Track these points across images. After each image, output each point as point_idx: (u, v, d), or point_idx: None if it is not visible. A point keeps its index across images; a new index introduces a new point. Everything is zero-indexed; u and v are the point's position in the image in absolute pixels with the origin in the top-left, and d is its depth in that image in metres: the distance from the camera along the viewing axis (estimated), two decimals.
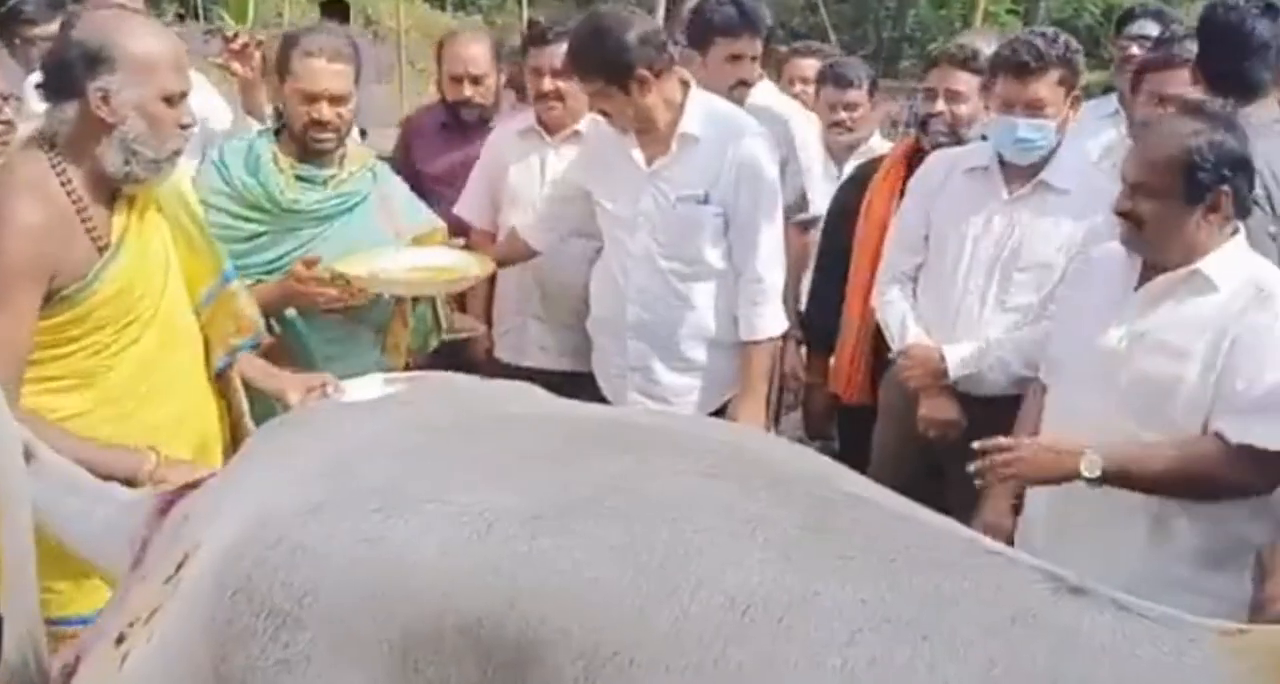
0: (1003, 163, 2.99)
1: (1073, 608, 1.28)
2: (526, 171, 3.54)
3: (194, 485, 1.72)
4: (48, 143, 2.28)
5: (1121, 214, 2.38)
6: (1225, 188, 2.30)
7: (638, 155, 3.15)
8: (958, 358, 2.97)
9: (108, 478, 2.01)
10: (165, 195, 2.47)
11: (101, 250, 2.31)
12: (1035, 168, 2.96)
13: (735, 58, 3.65)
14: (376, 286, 2.91)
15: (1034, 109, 2.89)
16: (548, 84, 3.49)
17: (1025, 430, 2.61)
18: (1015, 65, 2.89)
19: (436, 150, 3.82)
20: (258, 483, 1.55)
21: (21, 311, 2.20)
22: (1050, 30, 2.99)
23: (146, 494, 1.77)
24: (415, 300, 3.11)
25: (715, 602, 1.28)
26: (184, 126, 2.34)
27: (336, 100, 2.89)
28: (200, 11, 10.58)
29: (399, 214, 3.12)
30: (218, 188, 2.90)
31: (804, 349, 3.77)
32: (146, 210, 2.42)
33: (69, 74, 2.23)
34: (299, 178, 2.94)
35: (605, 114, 3.12)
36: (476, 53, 3.76)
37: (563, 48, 3.37)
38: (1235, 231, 2.37)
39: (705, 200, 3.11)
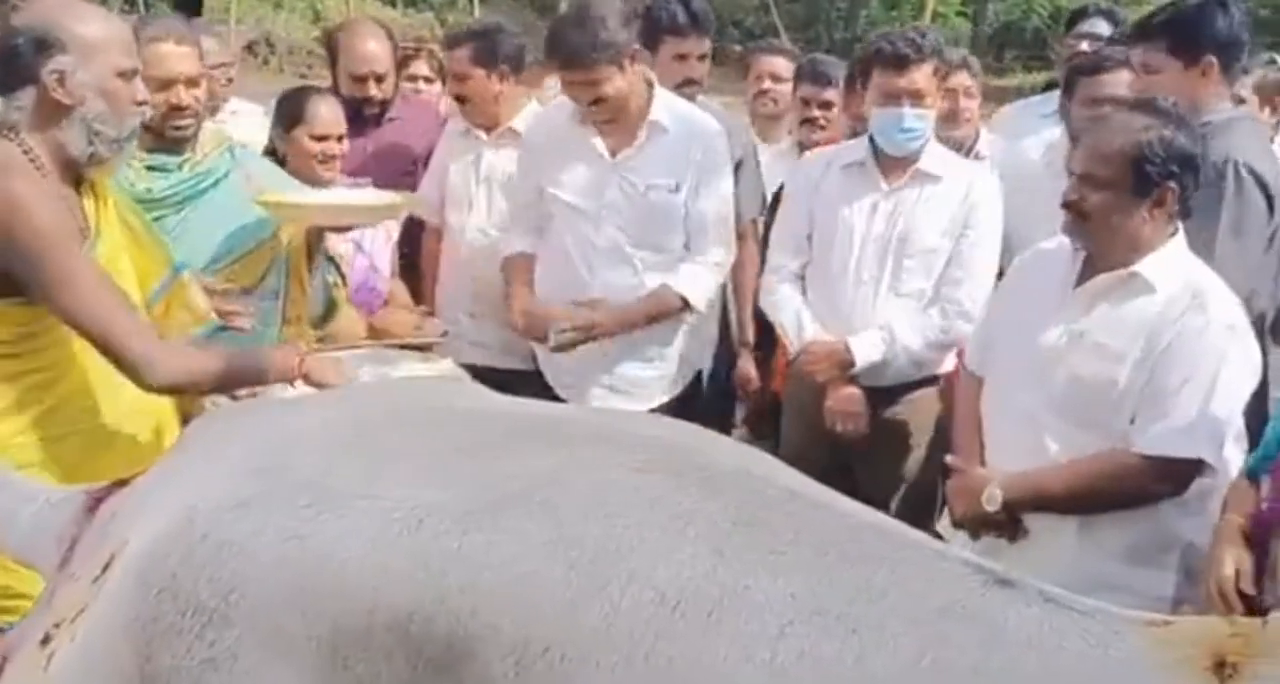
0: (876, 157, 3.09)
1: (1000, 600, 1.29)
2: (463, 170, 3.57)
3: (123, 483, 1.69)
4: (9, 132, 2.26)
5: (1067, 206, 2.39)
6: (1172, 184, 2.32)
7: (601, 146, 3.17)
8: (863, 348, 3.02)
9: (258, 382, 2.30)
10: (115, 192, 2.47)
11: (83, 237, 2.30)
12: (908, 159, 3.06)
13: (682, 57, 3.68)
14: (301, 214, 2.90)
15: (916, 99, 3.00)
16: (457, 89, 3.55)
17: (964, 424, 2.63)
18: (895, 57, 3.00)
19: None
20: (186, 479, 1.53)
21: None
22: (915, 28, 3.15)
23: (75, 492, 1.73)
24: (311, 270, 3.07)
25: (645, 597, 1.28)
26: (139, 103, 2.33)
27: (191, 83, 2.86)
28: (144, 6, 10.45)
29: (267, 190, 3.06)
30: None
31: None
32: (108, 201, 2.41)
33: (20, 61, 2.22)
34: (150, 168, 2.87)
35: (598, 101, 3.11)
36: (377, 50, 3.74)
37: (460, 53, 3.49)
38: (1175, 232, 2.39)
39: (676, 190, 3.16)
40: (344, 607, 1.33)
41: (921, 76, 2.99)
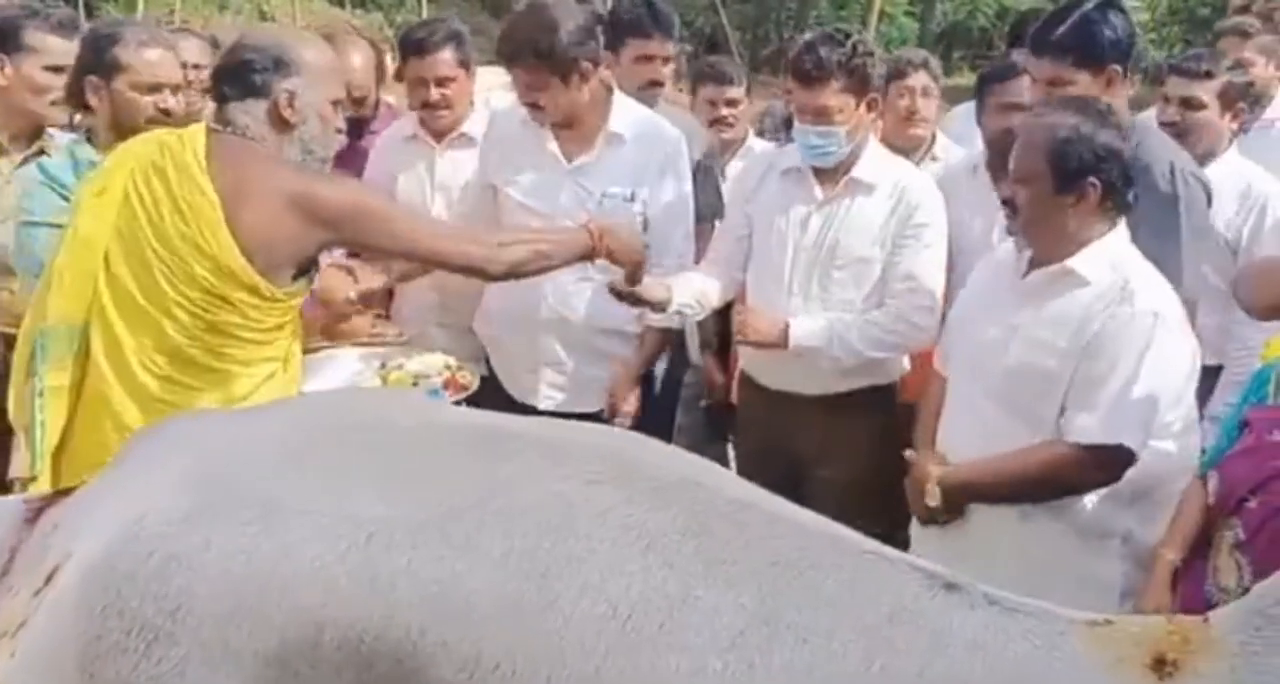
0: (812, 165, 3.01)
1: (947, 605, 1.31)
2: (415, 178, 3.48)
3: (65, 493, 1.67)
4: (244, 132, 2.40)
5: (1005, 203, 2.46)
6: (1093, 180, 2.36)
7: (555, 150, 3.12)
8: (803, 329, 2.96)
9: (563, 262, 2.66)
10: None
11: None
12: (841, 168, 2.97)
13: (647, 59, 3.64)
14: None
15: (820, 117, 2.89)
16: (434, 94, 3.43)
17: (925, 420, 2.68)
18: (800, 73, 2.90)
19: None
20: (131, 492, 1.51)
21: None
22: (841, 33, 2.95)
23: (13, 502, 1.70)
24: None
25: (597, 610, 1.28)
26: (339, 130, 2.53)
27: (176, 89, 2.84)
28: (85, 6, 10.29)
29: None
30: (59, 205, 2.71)
31: None
32: None
33: (255, 76, 2.40)
34: None
35: (535, 106, 3.06)
36: (355, 63, 3.63)
37: (443, 55, 3.38)
38: (1112, 227, 2.43)
39: (631, 199, 3.11)
40: (292, 623, 1.33)
41: (827, 94, 2.87)
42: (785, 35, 13.90)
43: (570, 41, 2.97)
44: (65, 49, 3.02)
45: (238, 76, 2.42)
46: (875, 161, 3.03)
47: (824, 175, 3.00)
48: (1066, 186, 2.36)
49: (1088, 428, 2.33)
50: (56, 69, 3.02)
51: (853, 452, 3.04)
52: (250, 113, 2.40)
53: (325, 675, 1.32)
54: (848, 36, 2.92)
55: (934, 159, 3.82)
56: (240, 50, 2.46)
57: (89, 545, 1.45)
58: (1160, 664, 1.29)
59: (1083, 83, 2.74)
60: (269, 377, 2.41)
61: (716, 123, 4.01)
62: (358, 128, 3.58)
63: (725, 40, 12.67)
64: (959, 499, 2.48)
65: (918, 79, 3.81)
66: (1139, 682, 1.28)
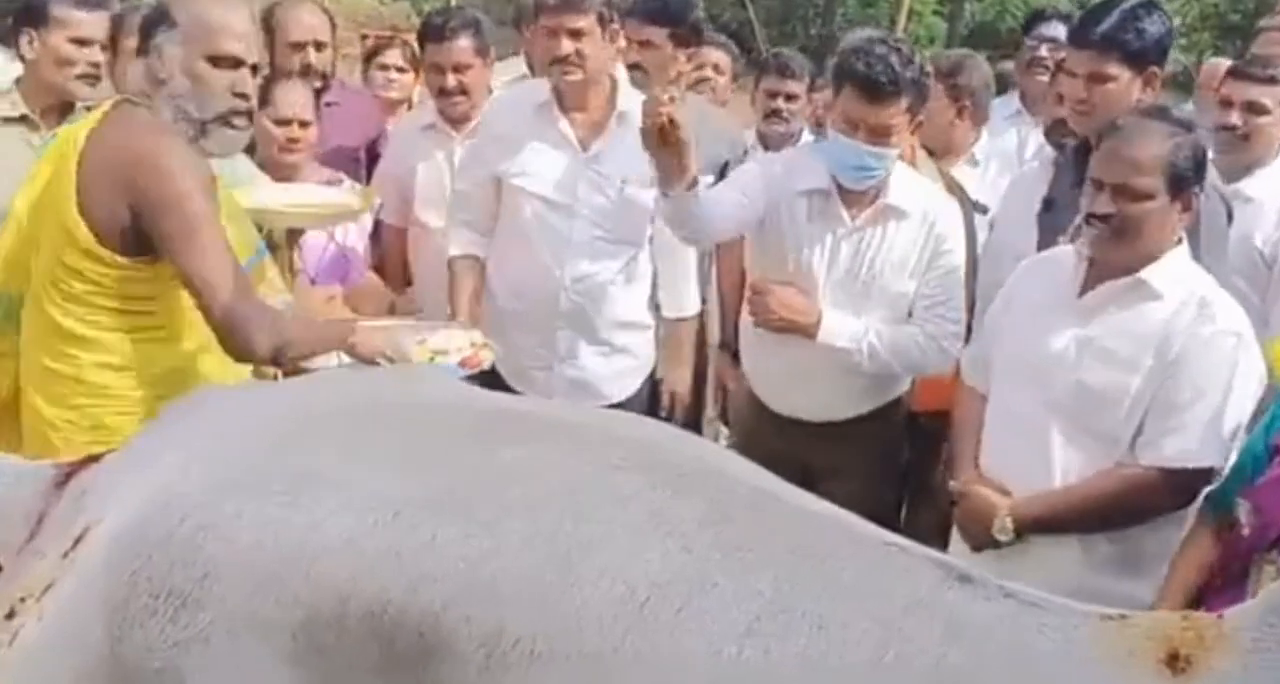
0: (839, 186, 2.79)
1: (963, 597, 1.32)
2: (435, 168, 3.46)
3: (95, 458, 1.69)
4: (140, 98, 2.32)
5: (1100, 218, 2.32)
6: (1196, 189, 2.33)
7: (572, 136, 3.03)
8: (836, 323, 2.80)
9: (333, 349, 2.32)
10: None
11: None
12: (876, 191, 2.79)
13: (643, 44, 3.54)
14: (261, 219, 2.81)
15: (879, 136, 2.69)
16: (451, 81, 3.43)
17: (965, 442, 2.57)
18: (868, 84, 2.67)
19: None
20: (163, 461, 1.54)
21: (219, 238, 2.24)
22: (907, 46, 2.78)
23: (44, 466, 1.73)
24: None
25: (616, 592, 1.30)
26: (238, 94, 2.31)
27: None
28: None
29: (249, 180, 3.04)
30: None
31: None
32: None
33: (148, 30, 2.30)
34: None
35: (568, 62, 2.96)
36: (314, 22, 3.64)
37: (461, 42, 3.37)
38: (1180, 241, 2.38)
39: (650, 183, 2.83)
40: (318, 595, 1.35)
41: (895, 113, 2.67)
42: (811, 32, 13.87)
43: None
44: (91, 21, 3.05)
45: (143, 32, 2.36)
46: (905, 185, 2.84)
47: (852, 199, 2.80)
48: (1178, 197, 2.30)
49: (1173, 451, 2.27)
50: (82, 42, 3.05)
51: (861, 471, 2.95)
52: (141, 69, 2.33)
53: (349, 647, 1.34)
54: (913, 50, 2.75)
55: (974, 164, 3.77)
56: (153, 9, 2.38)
57: (119, 511, 1.48)
58: (1174, 659, 1.30)
59: (1123, 80, 2.70)
60: (160, 343, 2.32)
61: (771, 115, 3.99)
62: (321, 83, 3.56)
63: (753, 36, 12.65)
64: (1030, 531, 2.37)
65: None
66: (1152, 676, 1.29)
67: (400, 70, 4.05)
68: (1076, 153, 2.78)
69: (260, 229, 2.84)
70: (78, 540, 1.53)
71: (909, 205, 2.80)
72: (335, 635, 1.35)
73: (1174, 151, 2.29)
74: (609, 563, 1.32)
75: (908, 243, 2.81)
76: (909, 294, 2.83)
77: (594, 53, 2.99)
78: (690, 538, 1.33)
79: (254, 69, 2.36)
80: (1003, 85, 4.46)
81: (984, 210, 3.38)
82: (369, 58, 4.29)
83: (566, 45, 2.97)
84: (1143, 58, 2.69)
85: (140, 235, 2.23)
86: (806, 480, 2.86)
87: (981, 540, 2.42)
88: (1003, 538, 2.37)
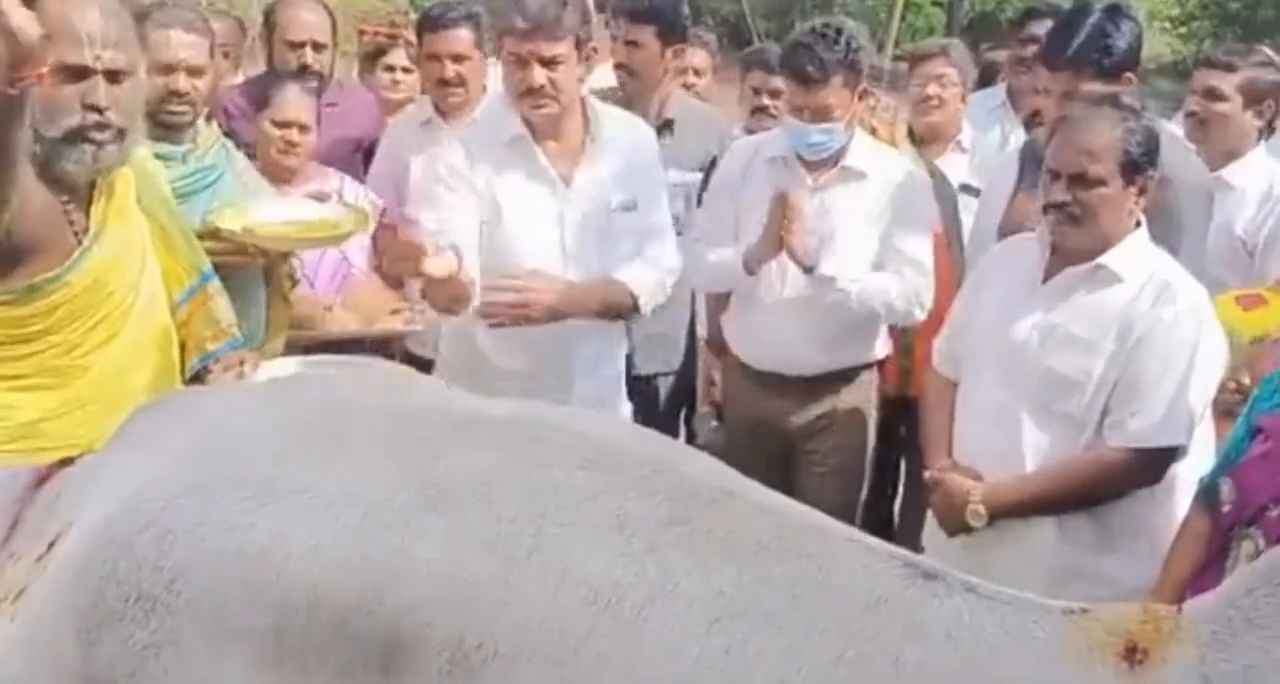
0: (799, 154, 3.02)
1: (924, 594, 1.34)
2: (431, 164, 3.30)
3: (68, 462, 1.70)
4: None
5: (1057, 207, 2.38)
6: (1150, 172, 2.37)
7: (551, 171, 2.83)
8: (828, 267, 2.96)
9: None
10: (145, 190, 2.37)
11: (79, 236, 2.20)
12: (835, 156, 3.02)
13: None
14: (251, 240, 2.77)
15: (821, 116, 2.93)
16: (449, 70, 3.41)
17: (936, 429, 2.63)
18: (799, 75, 2.92)
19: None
20: (132, 465, 1.54)
21: None
22: (833, 28, 2.96)
23: (19, 470, 1.74)
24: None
25: (578, 594, 1.31)
26: (90, 106, 2.12)
27: (194, 71, 2.80)
28: None
29: (259, 188, 3.03)
30: None
31: None
32: (125, 203, 2.30)
33: None
34: (155, 155, 2.73)
35: (546, 97, 2.73)
36: (314, 20, 3.65)
37: (460, 32, 3.34)
38: (1138, 224, 2.43)
39: (634, 206, 2.91)
40: (286, 599, 1.36)
41: (830, 94, 2.91)
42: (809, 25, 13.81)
43: (576, 12, 2.74)
44: None
45: None
46: (865, 151, 3.07)
47: (813, 165, 3.03)
48: (1132, 182, 2.35)
49: (1141, 431, 2.34)
50: None
51: (839, 428, 3.12)
52: None
53: (318, 651, 1.36)
54: (839, 31, 2.93)
55: (962, 151, 3.82)
56: None
57: (90, 515, 1.49)
58: (1131, 652, 1.32)
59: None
60: (28, 389, 2.19)
61: (759, 111, 3.98)
62: (319, 84, 3.50)
63: (749, 28, 12.61)
64: (1003, 515, 2.43)
65: (934, 67, 3.80)
66: (1110, 670, 1.31)
67: (405, 70, 4.02)
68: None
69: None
70: (51, 544, 1.54)
71: (867, 167, 3.03)
72: (303, 640, 1.36)
73: (1125, 138, 2.35)
74: (570, 565, 1.33)
75: (869, 199, 3.02)
76: (870, 251, 3.01)
77: (569, 82, 2.75)
78: (653, 538, 1.35)
79: (115, 75, 2.14)
80: (993, 76, 4.48)
81: (976, 193, 3.47)
82: (372, 57, 4.27)
83: (538, 75, 2.71)
84: (1116, 70, 2.72)
85: None
86: (789, 444, 3.07)
87: (956, 526, 2.48)
88: (976, 523, 2.44)
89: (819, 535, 1.41)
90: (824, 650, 1.29)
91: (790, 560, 1.35)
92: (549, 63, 2.71)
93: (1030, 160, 2.88)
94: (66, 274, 2.18)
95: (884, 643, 1.30)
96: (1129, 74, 2.75)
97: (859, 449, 3.18)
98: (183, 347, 2.45)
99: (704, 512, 1.39)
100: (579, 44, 2.75)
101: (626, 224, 2.91)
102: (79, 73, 2.11)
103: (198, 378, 2.47)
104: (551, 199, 2.84)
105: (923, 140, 3.73)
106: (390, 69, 4.09)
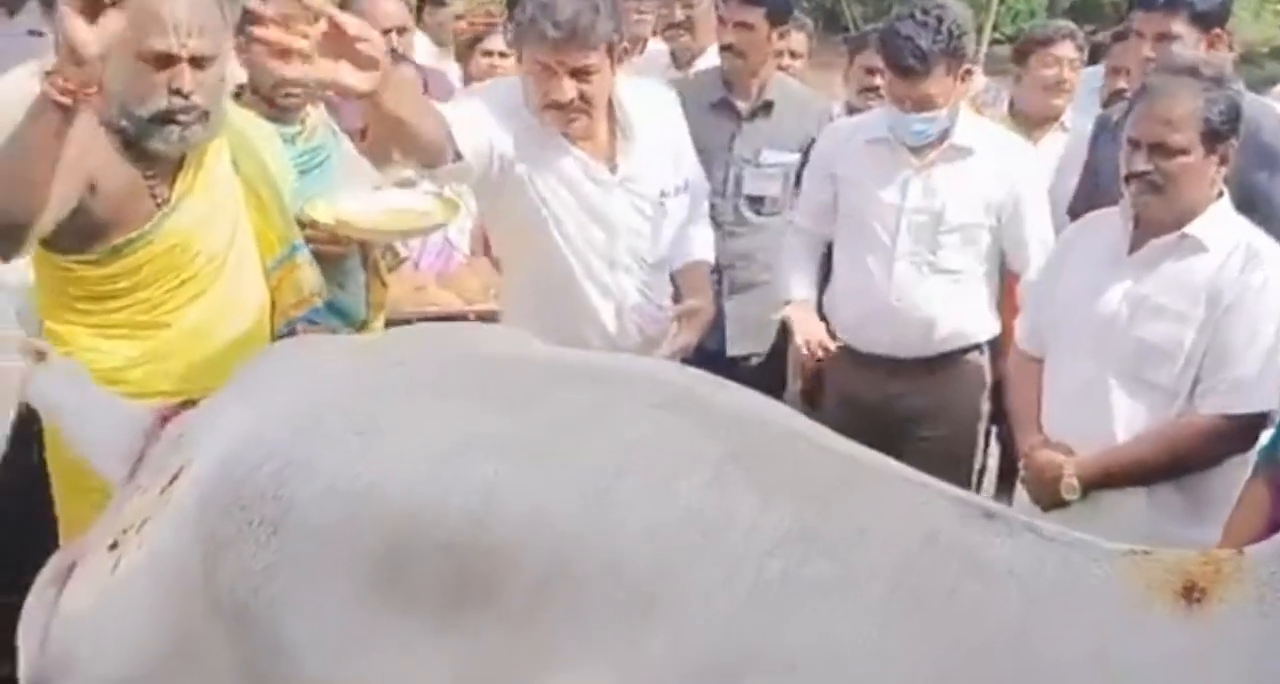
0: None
1: (983, 532, 1.38)
2: None
3: (190, 404, 1.83)
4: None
5: (1138, 177, 2.39)
6: (1233, 140, 2.37)
7: (592, 164, 2.68)
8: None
9: None
10: (243, 160, 2.52)
11: (160, 206, 2.38)
12: (938, 137, 2.99)
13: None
14: (345, 232, 2.84)
15: (924, 106, 2.92)
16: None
17: (1025, 405, 2.64)
18: (900, 67, 2.89)
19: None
20: (252, 406, 1.66)
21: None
22: (932, 15, 2.88)
23: (145, 410, 1.86)
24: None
25: (651, 520, 1.39)
26: (175, 91, 2.26)
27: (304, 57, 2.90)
28: None
29: (362, 170, 3.10)
30: None
31: None
32: (214, 174, 2.45)
33: None
34: None
35: (577, 112, 2.58)
36: (396, 8, 3.68)
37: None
38: (1221, 193, 2.43)
39: (685, 187, 2.84)
40: (391, 529, 1.46)
41: (932, 85, 2.88)
42: (855, 10, 13.60)
43: (610, 17, 2.56)
44: None
45: None
46: (972, 126, 3.05)
47: (916, 146, 3.01)
48: (1214, 151, 2.36)
49: (1232, 399, 2.35)
50: None
51: (949, 411, 3.11)
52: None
53: (421, 577, 1.45)
54: (940, 19, 2.87)
55: (1064, 130, 3.82)
56: None
57: (212, 451, 1.60)
58: (1189, 591, 1.34)
59: (1189, 40, 2.75)
60: (114, 338, 2.37)
61: (867, 91, 4.00)
62: None
63: (844, 13, 12.53)
64: (1096, 487, 2.44)
65: (1063, 50, 3.81)
66: (1168, 608, 1.33)
67: (503, 56, 4.07)
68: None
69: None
70: (174, 478, 1.66)
71: (974, 143, 2.99)
72: (408, 569, 1.45)
73: (1206, 106, 2.34)
74: (644, 496, 1.41)
75: (977, 177, 2.98)
76: (983, 226, 2.99)
77: (601, 93, 2.57)
78: (720, 473, 1.42)
79: (199, 61, 2.26)
80: (1096, 57, 4.45)
81: None
82: (469, 44, 4.36)
83: (568, 88, 2.52)
84: (1207, 18, 2.71)
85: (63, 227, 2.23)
86: (894, 429, 3.03)
87: (1050, 501, 2.48)
88: (1070, 497, 2.44)
89: (879, 475, 1.48)
90: (879, 582, 1.35)
91: (851, 497, 1.42)
92: (580, 73, 2.53)
93: (1104, 134, 2.88)
94: (146, 237, 2.35)
95: (940, 577, 1.34)
96: (1220, 31, 2.74)
97: (969, 433, 3.15)
98: (272, 313, 2.60)
99: (768, 450, 1.46)
100: (610, 51, 2.56)
101: (680, 205, 2.82)
102: (166, 60, 2.25)
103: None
104: (600, 192, 2.69)
105: (1028, 121, 3.75)
106: (489, 54, 4.17)
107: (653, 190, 2.76)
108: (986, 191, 3.00)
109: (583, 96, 2.55)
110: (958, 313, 3.07)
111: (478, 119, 2.57)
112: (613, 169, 2.71)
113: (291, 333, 2.61)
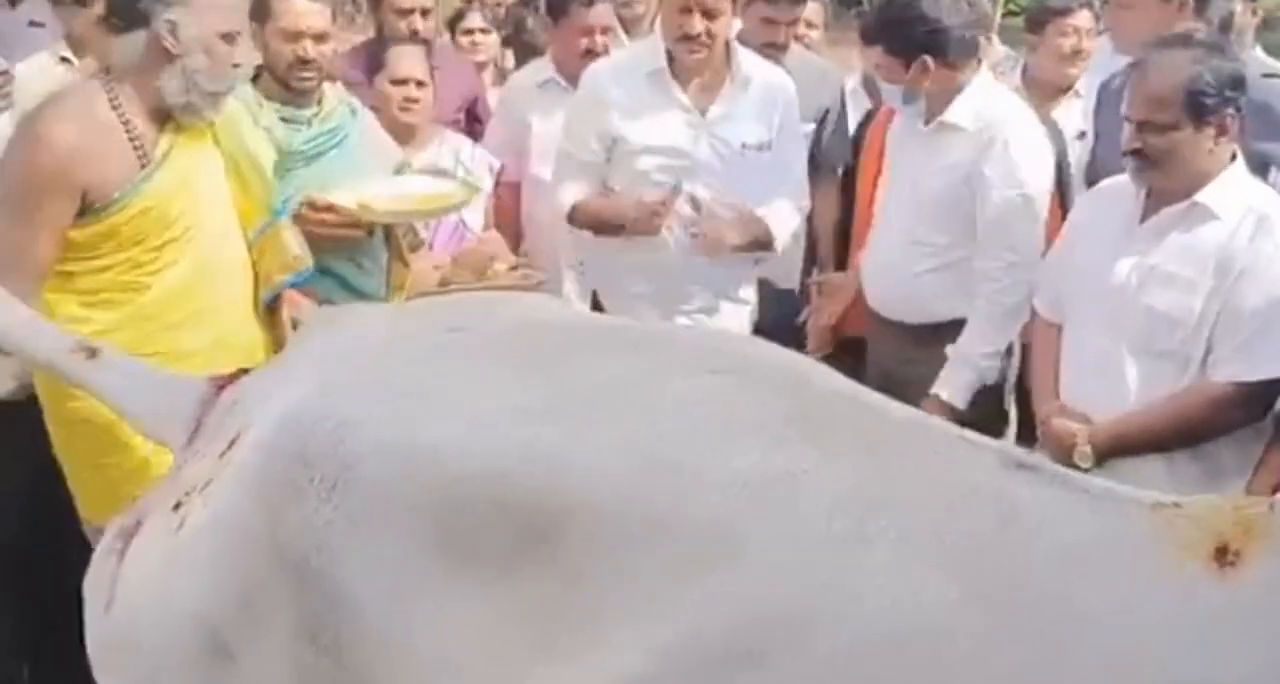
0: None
1: (1019, 482, 1.44)
2: (552, 123, 3.50)
3: (244, 372, 1.88)
4: (107, 71, 2.50)
5: (1132, 153, 2.43)
6: (1230, 110, 2.36)
7: (688, 102, 3.09)
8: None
9: None
10: (223, 129, 2.65)
11: (142, 167, 2.50)
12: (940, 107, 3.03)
13: (770, 22, 3.64)
14: (367, 216, 2.91)
15: (914, 94, 3.03)
16: (599, 42, 3.54)
17: (1043, 372, 2.67)
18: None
19: None
20: (306, 370, 1.71)
21: (42, 225, 2.42)
22: (917, 6, 2.96)
23: (198, 378, 1.91)
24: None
25: (720, 478, 1.44)
26: (236, 65, 2.55)
27: (319, 38, 2.94)
28: None
29: (384, 147, 3.16)
30: None
31: None
32: (199, 139, 2.59)
33: (139, 6, 2.46)
34: (283, 119, 2.94)
35: (702, 45, 3.00)
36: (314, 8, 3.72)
37: (607, 7, 3.50)
38: (1234, 158, 2.44)
39: (768, 146, 3.13)
40: (451, 485, 1.51)
41: (920, 77, 2.99)
42: None
43: None
44: None
45: (125, 7, 2.51)
46: (968, 104, 3.01)
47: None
48: (1205, 123, 2.35)
49: (1245, 365, 2.35)
50: None
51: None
52: (134, 43, 2.50)
53: (481, 533, 1.50)
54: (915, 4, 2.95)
55: (1077, 96, 3.83)
56: None
57: (272, 411, 1.65)
58: (1221, 553, 1.36)
59: (1149, 5, 2.77)
60: (94, 305, 2.50)
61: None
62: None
63: None
64: (1110, 455, 2.47)
65: (1081, 19, 3.82)
66: (1199, 570, 1.36)
67: (483, 32, 4.15)
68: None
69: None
70: (233, 442, 1.70)
71: (966, 122, 2.97)
72: (467, 525, 1.50)
73: (1192, 80, 2.33)
74: (704, 460, 1.46)
75: (960, 155, 2.97)
76: (961, 201, 2.97)
77: (723, 31, 3.03)
78: (780, 434, 1.48)
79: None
80: None
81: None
82: (453, 22, 4.38)
83: (698, 24, 2.99)
84: None
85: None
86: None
87: (1064, 465, 2.50)
88: (1084, 464, 2.45)
89: (926, 431, 1.54)
90: (928, 534, 1.40)
91: (902, 453, 1.47)
92: (710, 13, 2.98)
93: (1105, 103, 2.91)
94: (129, 197, 2.49)
95: (980, 528, 1.39)
96: None
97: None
98: (256, 280, 2.71)
99: (822, 410, 1.52)
100: None
101: (758, 163, 3.07)
102: (236, 38, 2.53)
103: (270, 309, 2.73)
104: (685, 128, 3.08)
105: (1042, 90, 3.76)
106: (469, 32, 4.18)
107: (736, 137, 3.08)
108: (964, 169, 3.01)
109: (708, 32, 2.99)
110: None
111: (584, 123, 3.11)
112: (705, 109, 3.08)
113: (274, 299, 2.72)
